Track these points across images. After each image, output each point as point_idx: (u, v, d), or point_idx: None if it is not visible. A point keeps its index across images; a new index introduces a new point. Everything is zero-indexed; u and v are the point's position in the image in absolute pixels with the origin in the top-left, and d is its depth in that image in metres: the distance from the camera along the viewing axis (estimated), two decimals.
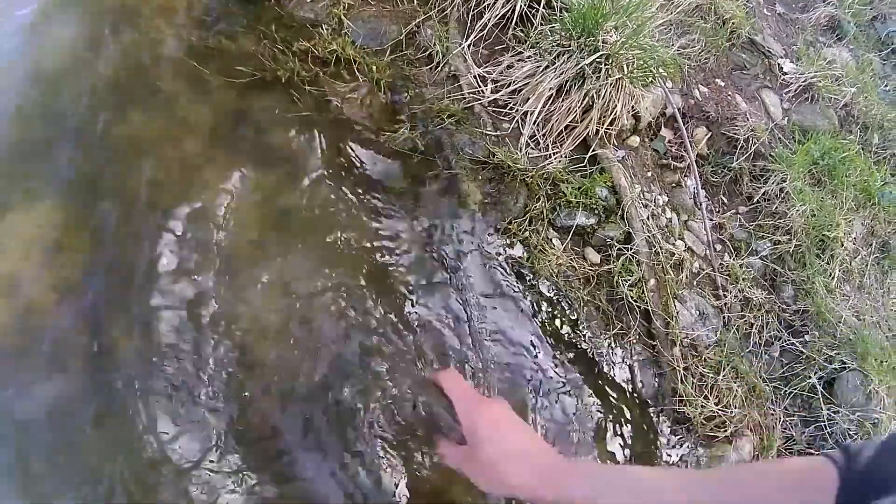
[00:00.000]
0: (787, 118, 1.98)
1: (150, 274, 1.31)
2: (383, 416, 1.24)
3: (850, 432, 1.64)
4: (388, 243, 1.48)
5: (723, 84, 1.87)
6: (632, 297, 1.46)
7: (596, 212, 1.52)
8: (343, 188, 1.53)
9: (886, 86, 2.50)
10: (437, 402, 0.95)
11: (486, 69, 1.65)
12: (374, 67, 1.66)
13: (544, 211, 1.48)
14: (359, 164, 1.57)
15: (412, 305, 1.37)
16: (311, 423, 1.24)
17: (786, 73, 2.11)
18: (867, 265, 1.93)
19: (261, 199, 1.46)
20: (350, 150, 1.58)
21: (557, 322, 1.43)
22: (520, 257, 1.44)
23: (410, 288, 1.39)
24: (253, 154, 1.54)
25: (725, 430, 1.52)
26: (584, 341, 1.41)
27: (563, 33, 1.59)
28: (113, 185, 1.42)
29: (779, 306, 1.72)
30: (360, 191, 1.52)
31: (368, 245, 1.46)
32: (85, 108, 1.52)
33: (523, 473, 0.76)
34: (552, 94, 1.56)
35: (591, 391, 1.40)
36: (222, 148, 1.52)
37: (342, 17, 1.75)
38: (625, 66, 1.57)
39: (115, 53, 1.65)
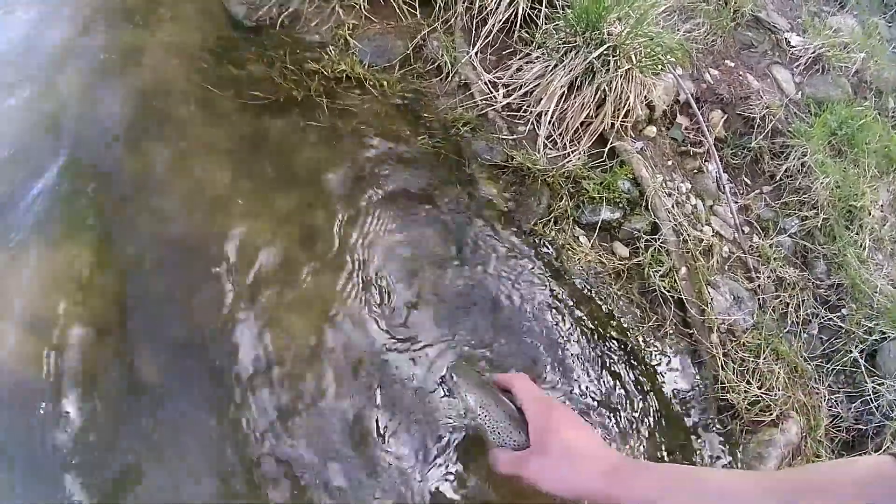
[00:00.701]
0: (800, 92, 1.96)
1: (184, 307, 1.29)
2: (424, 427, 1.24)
3: None
4: (415, 251, 1.48)
5: (732, 65, 1.86)
6: (664, 288, 1.45)
7: (620, 205, 1.51)
8: (365, 199, 1.53)
9: (895, 48, 2.47)
10: (498, 404, 0.95)
11: (497, 74, 1.66)
12: (385, 83, 1.68)
13: (568, 209, 1.48)
14: (382, 173, 1.57)
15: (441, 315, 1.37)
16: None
17: (794, 47, 2.09)
18: None
19: (286, 220, 1.45)
20: (367, 161, 1.58)
21: (592, 318, 1.43)
22: (548, 253, 1.43)
23: (438, 295, 1.39)
24: (276, 175, 1.54)
25: (771, 414, 1.50)
26: (620, 334, 1.41)
27: (567, 30, 1.59)
28: (137, 219, 1.40)
29: (813, 283, 1.70)
30: (384, 200, 1.52)
31: (396, 252, 1.46)
32: (101, 145, 1.54)
33: (592, 473, 0.78)
34: (564, 92, 1.56)
35: (631, 385, 1.39)
36: (243, 174, 1.51)
37: (347, 37, 1.77)
38: (633, 56, 1.56)
39: (126, 90, 1.67)
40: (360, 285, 1.42)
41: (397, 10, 1.78)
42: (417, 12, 1.77)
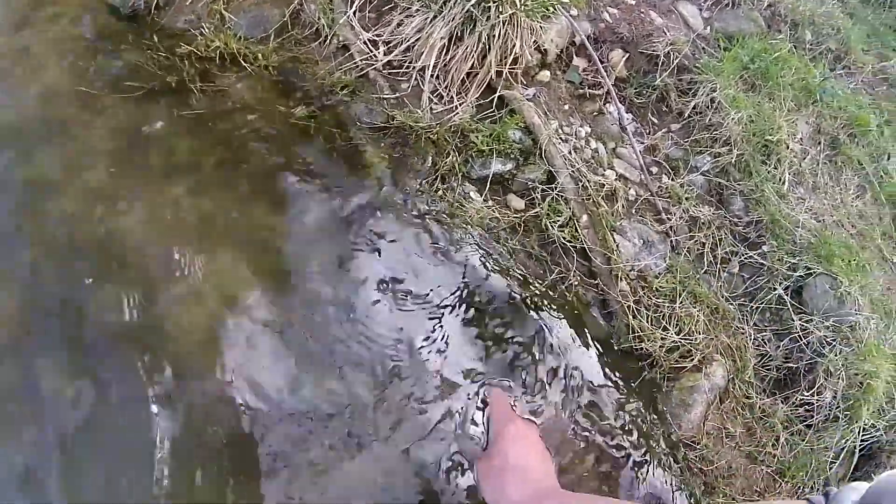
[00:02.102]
0: (708, 27, 1.88)
1: (84, 311, 1.24)
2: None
3: (828, 339, 1.56)
4: (299, 227, 1.39)
5: (633, 2, 1.78)
6: (564, 238, 1.37)
7: (512, 156, 1.43)
8: (244, 179, 1.45)
9: None
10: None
11: (377, 32, 1.56)
12: (261, 55, 1.58)
13: (456, 165, 1.39)
14: (261, 151, 1.48)
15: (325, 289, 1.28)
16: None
17: None
18: (818, 164, 1.83)
19: (177, 209, 1.39)
20: (249, 138, 1.49)
21: (491, 276, 1.34)
22: (438, 211, 1.34)
23: (322, 268, 1.31)
24: (160, 167, 1.48)
25: (692, 359, 1.43)
26: (518, 291, 1.32)
27: None
28: (30, 229, 1.36)
29: (730, 220, 1.63)
30: (266, 179, 1.43)
31: (285, 233, 1.37)
32: None
33: (524, 490, 0.84)
34: (445, 44, 1.47)
35: (537, 344, 1.31)
36: (129, 168, 1.46)
37: (223, 11, 1.67)
38: (517, 1, 1.48)
39: (15, 95, 1.60)
40: (252, 270, 1.35)
41: None
42: None
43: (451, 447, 1.10)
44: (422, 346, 1.22)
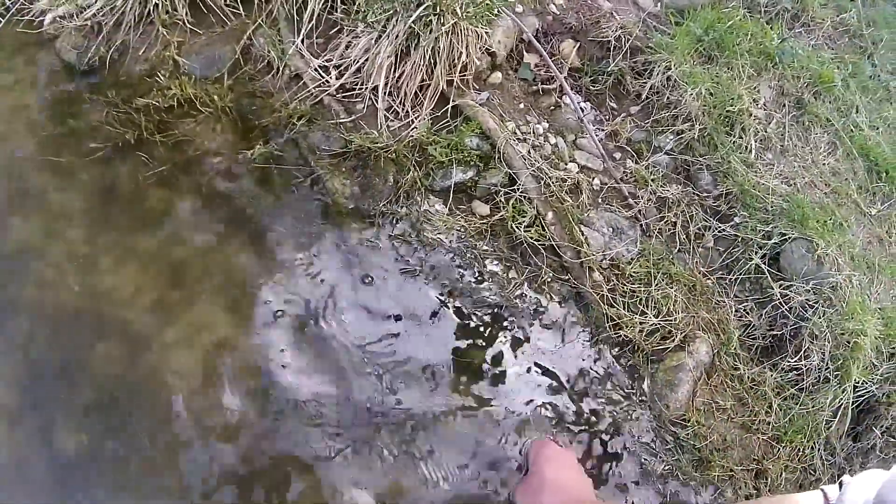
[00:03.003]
0: (658, 4, 1.88)
1: (83, 370, 1.30)
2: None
3: (810, 303, 1.56)
4: (274, 265, 1.42)
5: None
6: (532, 238, 1.39)
7: (472, 163, 1.44)
8: (218, 224, 1.48)
9: None
10: None
11: (326, 58, 1.58)
12: (216, 96, 1.60)
13: (418, 179, 1.41)
14: (226, 194, 1.52)
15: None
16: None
17: None
18: (785, 127, 1.83)
19: (151, 261, 1.45)
20: (213, 184, 1.52)
21: (461, 283, 1.36)
22: (402, 234, 1.37)
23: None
24: (132, 223, 1.52)
25: (673, 339, 1.45)
26: (493, 295, 1.35)
27: None
28: (20, 295, 1.40)
29: (699, 196, 1.64)
30: (232, 222, 1.47)
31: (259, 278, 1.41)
32: None
33: (559, 499, 0.92)
34: (392, 62, 1.48)
35: (511, 346, 1.34)
36: (103, 228, 1.51)
37: (175, 56, 1.69)
38: (457, 10, 1.49)
39: None
40: (231, 308, 1.39)
41: (221, 15, 1.70)
42: (241, 10, 1.69)
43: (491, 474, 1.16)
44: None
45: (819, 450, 1.50)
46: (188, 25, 1.70)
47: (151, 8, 1.64)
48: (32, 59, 1.88)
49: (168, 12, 1.66)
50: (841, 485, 0.54)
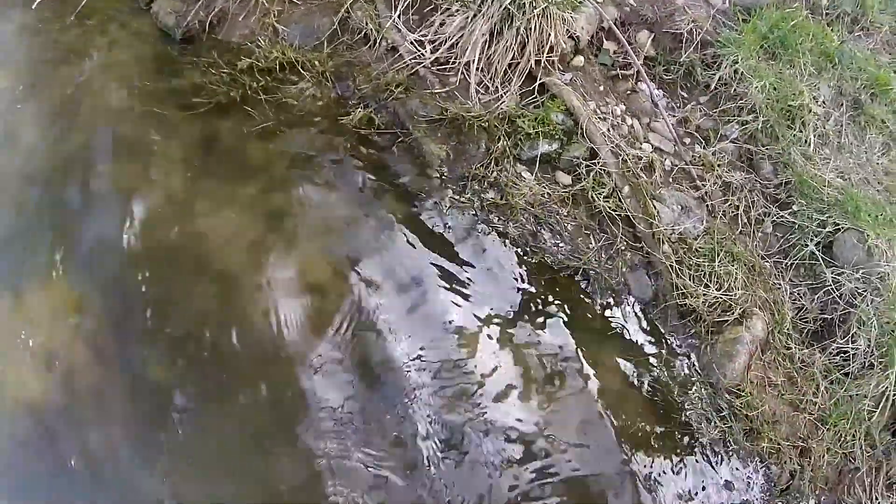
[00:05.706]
0: (727, 2, 1.98)
1: (174, 306, 1.39)
2: None
3: (859, 291, 1.65)
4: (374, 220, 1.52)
5: None
6: (609, 208, 1.50)
7: (557, 137, 1.56)
8: (316, 180, 1.60)
9: None
10: None
11: (422, 33, 1.70)
12: (317, 62, 1.73)
13: (507, 149, 1.53)
14: (325, 153, 1.63)
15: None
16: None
17: None
18: (842, 125, 1.92)
19: (249, 208, 1.53)
20: (314, 142, 1.64)
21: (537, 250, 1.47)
22: (492, 198, 1.49)
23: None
24: (232, 172, 1.62)
25: (733, 313, 1.55)
26: (571, 258, 1.46)
27: None
28: (112, 238, 1.50)
29: (760, 184, 1.74)
30: (333, 178, 1.58)
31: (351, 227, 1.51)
32: (65, 173, 1.61)
33: None
34: (487, 39, 1.60)
35: (583, 310, 1.45)
36: (202, 176, 1.61)
37: (275, 24, 1.82)
38: None
39: (85, 121, 1.73)
40: (326, 261, 1.48)
41: None
42: None
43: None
44: None
45: (860, 438, 1.53)
46: None
47: None
48: (126, 24, 2.01)
49: None
50: None
